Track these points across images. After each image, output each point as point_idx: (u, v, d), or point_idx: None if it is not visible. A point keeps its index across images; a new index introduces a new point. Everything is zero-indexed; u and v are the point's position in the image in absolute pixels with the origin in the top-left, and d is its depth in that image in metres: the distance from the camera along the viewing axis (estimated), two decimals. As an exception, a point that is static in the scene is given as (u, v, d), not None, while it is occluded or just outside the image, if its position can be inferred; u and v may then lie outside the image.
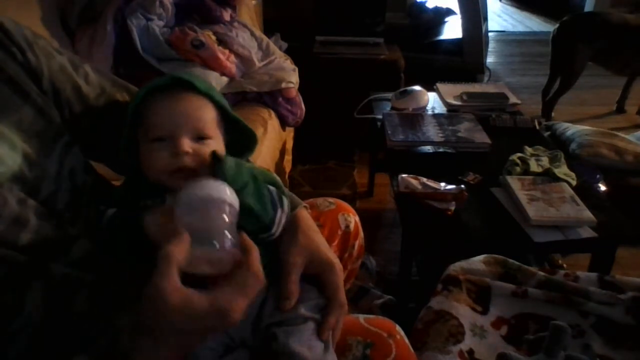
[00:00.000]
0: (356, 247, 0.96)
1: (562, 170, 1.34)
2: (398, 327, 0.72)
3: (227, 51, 1.77)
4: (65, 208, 0.56)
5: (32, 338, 0.49)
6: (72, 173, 0.59)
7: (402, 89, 1.92)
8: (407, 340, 0.71)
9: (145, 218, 0.56)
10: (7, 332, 0.47)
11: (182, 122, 0.60)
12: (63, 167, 0.57)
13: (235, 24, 1.93)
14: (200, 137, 0.61)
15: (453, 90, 1.95)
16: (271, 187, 0.64)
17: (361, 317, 0.73)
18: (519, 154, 1.39)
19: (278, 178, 0.68)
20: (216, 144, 0.63)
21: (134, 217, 0.59)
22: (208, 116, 0.62)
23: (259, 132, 1.61)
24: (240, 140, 0.68)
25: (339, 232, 0.92)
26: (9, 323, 0.47)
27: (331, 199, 0.97)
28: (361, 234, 0.97)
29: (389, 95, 1.93)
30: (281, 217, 0.65)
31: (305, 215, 0.70)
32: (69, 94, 0.61)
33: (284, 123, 1.88)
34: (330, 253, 0.67)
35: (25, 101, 0.54)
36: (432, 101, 1.92)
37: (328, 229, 0.91)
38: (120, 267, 0.60)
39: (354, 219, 0.95)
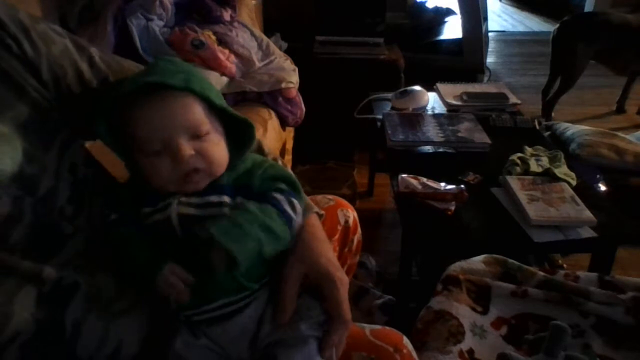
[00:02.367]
0: (355, 241, 0.97)
1: (562, 170, 1.34)
2: (405, 340, 0.69)
3: (227, 51, 1.77)
4: (67, 203, 0.55)
5: (24, 349, 0.47)
6: (73, 167, 0.57)
7: (402, 89, 1.92)
8: (414, 354, 0.69)
9: (160, 273, 0.55)
10: None
11: (172, 129, 0.56)
12: (63, 161, 0.56)
13: (235, 24, 1.93)
14: (198, 135, 0.58)
15: (453, 90, 1.95)
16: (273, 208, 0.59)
17: (367, 329, 0.69)
18: (519, 154, 1.39)
19: (293, 175, 0.65)
20: (215, 137, 0.60)
21: (131, 229, 0.58)
22: (195, 113, 0.58)
23: (258, 132, 1.61)
24: (237, 129, 0.64)
25: (339, 227, 0.93)
26: None
27: (330, 196, 0.97)
28: (359, 229, 0.98)
29: (389, 95, 1.93)
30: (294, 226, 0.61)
31: (312, 222, 0.66)
32: (70, 79, 0.58)
33: (284, 123, 1.88)
34: (331, 265, 0.61)
35: (20, 96, 0.52)
36: (432, 101, 1.91)
37: (328, 224, 0.91)
38: (114, 268, 0.58)
39: (352, 214, 0.96)
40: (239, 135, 0.64)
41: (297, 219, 0.61)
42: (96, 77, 0.61)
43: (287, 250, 0.61)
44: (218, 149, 0.60)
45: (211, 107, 0.60)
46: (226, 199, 0.59)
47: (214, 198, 0.59)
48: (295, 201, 0.61)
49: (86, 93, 0.60)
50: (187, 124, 0.57)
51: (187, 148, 0.56)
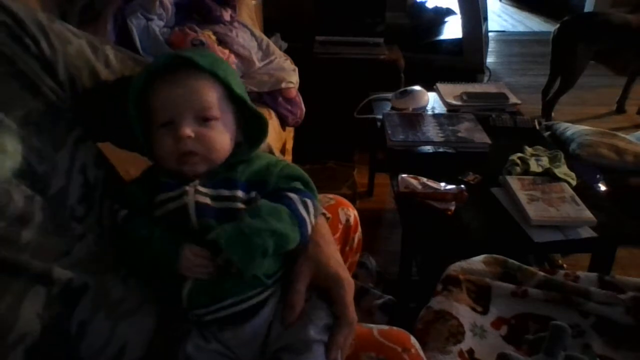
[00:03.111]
0: (356, 240, 0.98)
1: (562, 170, 1.34)
2: (413, 339, 0.70)
3: (227, 51, 1.77)
4: (77, 203, 0.54)
5: (29, 352, 0.46)
6: (84, 168, 0.57)
7: (402, 89, 1.92)
8: (422, 353, 0.69)
9: (184, 251, 0.55)
10: (2, 346, 0.44)
11: (183, 106, 0.58)
12: (74, 161, 0.55)
13: (235, 24, 1.94)
14: (205, 119, 0.59)
15: (453, 90, 1.95)
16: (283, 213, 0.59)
17: (375, 329, 0.69)
18: (519, 154, 1.39)
19: (305, 174, 0.65)
20: (222, 125, 0.61)
21: (142, 225, 0.58)
22: (210, 96, 0.59)
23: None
24: (253, 124, 0.64)
25: (340, 226, 0.93)
26: (4, 335, 0.44)
27: (331, 195, 0.98)
28: (359, 228, 0.99)
29: (389, 95, 1.93)
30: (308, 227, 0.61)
31: (321, 223, 0.66)
32: (86, 80, 0.58)
33: (284, 123, 1.88)
34: (340, 267, 0.62)
35: (35, 95, 0.52)
36: (432, 101, 1.92)
37: (329, 223, 0.91)
38: (123, 269, 0.58)
39: (353, 213, 0.97)
40: (252, 130, 0.65)
41: (311, 219, 0.61)
42: (112, 75, 0.62)
43: (297, 249, 0.61)
44: (220, 138, 0.60)
45: (229, 97, 0.61)
46: (239, 193, 0.59)
47: (225, 192, 0.59)
48: (309, 201, 0.61)
49: (101, 93, 0.61)
50: (197, 104, 0.58)
51: (188, 129, 0.58)
